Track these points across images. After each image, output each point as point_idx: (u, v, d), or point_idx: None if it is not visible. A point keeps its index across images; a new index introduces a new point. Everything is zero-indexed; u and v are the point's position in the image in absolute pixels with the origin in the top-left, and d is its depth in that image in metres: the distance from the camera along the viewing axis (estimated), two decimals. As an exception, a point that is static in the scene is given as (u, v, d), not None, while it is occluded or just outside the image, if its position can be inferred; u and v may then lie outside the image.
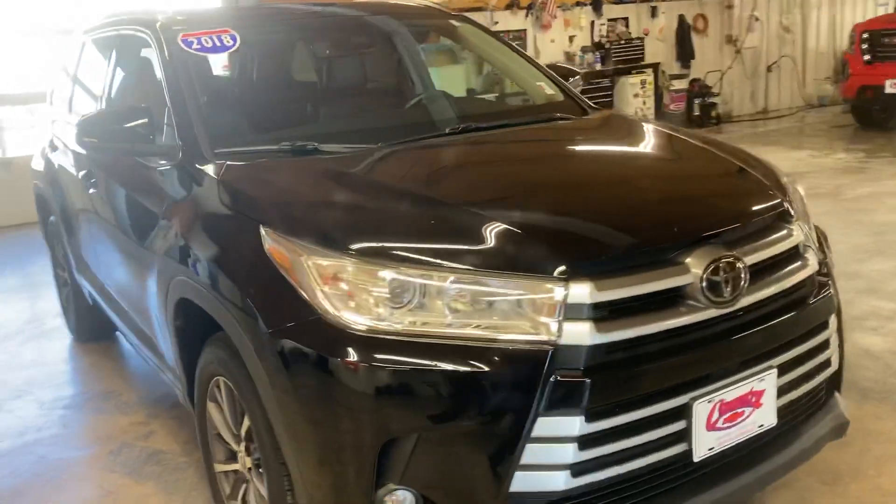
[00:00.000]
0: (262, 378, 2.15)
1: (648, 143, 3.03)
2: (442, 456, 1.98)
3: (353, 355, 1.96)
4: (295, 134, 2.88)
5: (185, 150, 2.74)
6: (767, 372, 2.21)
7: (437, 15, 3.89)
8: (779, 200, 2.43)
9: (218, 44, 3.16)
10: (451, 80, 5.06)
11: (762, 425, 2.23)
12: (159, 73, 3.04)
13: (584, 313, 1.97)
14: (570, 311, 1.96)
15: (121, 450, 3.47)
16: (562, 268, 1.98)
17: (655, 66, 11.97)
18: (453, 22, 3.82)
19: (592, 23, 11.90)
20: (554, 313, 1.96)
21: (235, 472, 2.59)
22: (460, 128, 2.98)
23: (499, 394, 1.94)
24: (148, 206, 2.98)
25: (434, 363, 1.94)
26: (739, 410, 2.18)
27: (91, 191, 3.59)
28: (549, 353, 1.94)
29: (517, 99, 3.81)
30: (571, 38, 11.77)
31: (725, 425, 2.16)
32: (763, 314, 2.23)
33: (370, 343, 1.97)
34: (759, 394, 2.21)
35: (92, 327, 4.61)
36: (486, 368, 1.94)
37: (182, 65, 3.01)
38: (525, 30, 11.42)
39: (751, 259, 2.19)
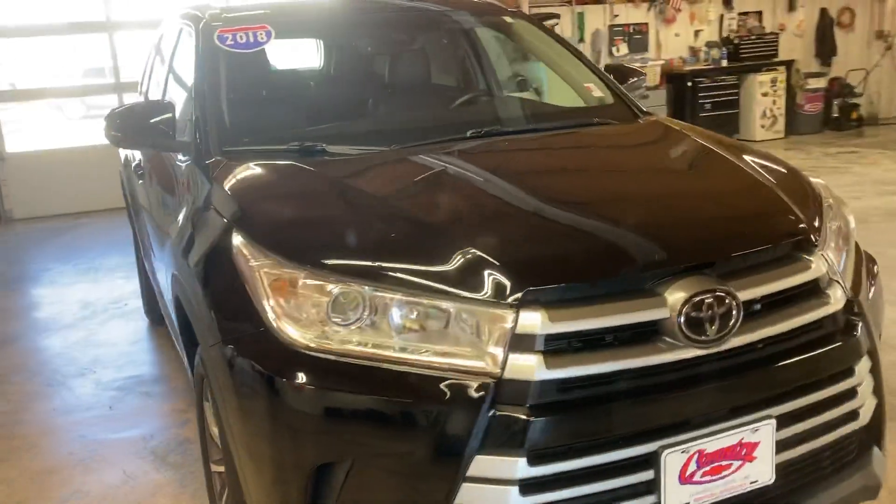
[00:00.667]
0: (216, 386, 2.11)
1: (669, 156, 2.74)
2: (376, 485, 1.86)
3: (290, 373, 1.87)
4: (310, 133, 2.82)
5: (197, 145, 2.74)
6: (763, 422, 1.94)
7: (487, 10, 3.71)
8: (798, 228, 2.14)
9: (251, 40, 3.14)
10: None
11: (755, 482, 1.96)
12: (192, 69, 3.06)
13: (535, 345, 1.79)
14: (519, 342, 1.79)
15: (154, 435, 3.56)
16: (514, 294, 1.80)
17: (789, 64, 11.20)
18: (506, 18, 3.63)
19: (721, 16, 11.27)
20: (500, 343, 1.79)
21: (220, 473, 2.58)
22: (482, 132, 2.82)
23: (435, 426, 1.79)
24: (167, 200, 3.02)
25: (368, 388, 1.82)
26: (725, 463, 1.92)
27: (140, 182, 3.69)
28: (491, 385, 1.78)
29: (562, 101, 3.58)
30: (697, 33, 11.19)
31: (705, 479, 1.91)
32: (760, 357, 1.97)
33: (308, 361, 1.87)
34: (752, 446, 1.94)
35: (158, 310, 4.77)
36: (423, 397, 1.80)
37: (211, 60, 3.01)
38: (646, 23, 10.95)
39: (747, 294, 1.93)
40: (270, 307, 1.94)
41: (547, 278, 1.85)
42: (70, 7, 8.86)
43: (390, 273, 1.89)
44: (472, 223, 2.09)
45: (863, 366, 2.13)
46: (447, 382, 1.79)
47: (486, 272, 1.85)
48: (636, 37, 10.92)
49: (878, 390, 2.21)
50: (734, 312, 1.88)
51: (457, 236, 1.98)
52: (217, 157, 2.64)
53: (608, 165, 2.65)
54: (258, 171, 2.50)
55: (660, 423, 1.86)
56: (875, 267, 2.49)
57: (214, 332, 2.09)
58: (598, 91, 3.33)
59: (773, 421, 1.95)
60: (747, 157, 2.57)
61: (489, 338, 1.80)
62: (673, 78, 10.80)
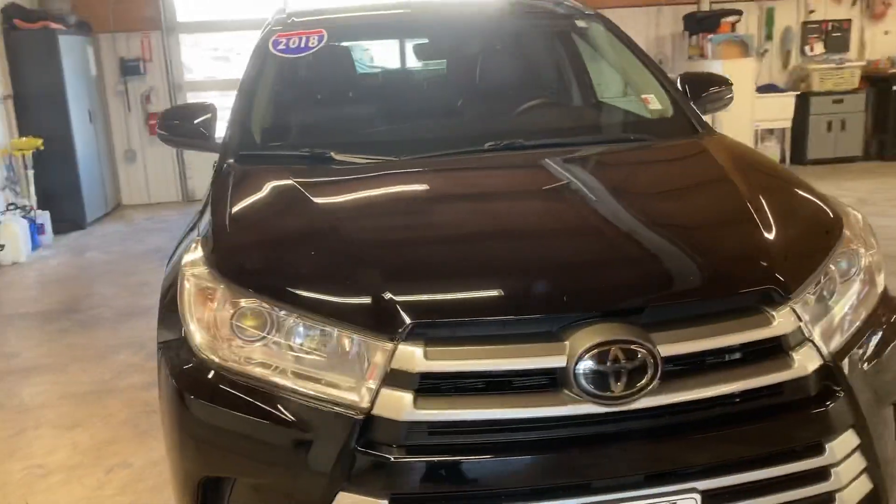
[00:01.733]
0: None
1: (662, 184, 2.41)
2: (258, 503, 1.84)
3: (187, 383, 1.89)
4: (325, 140, 2.82)
5: (223, 147, 2.83)
6: (684, 496, 1.69)
7: (557, 14, 3.48)
8: (757, 278, 1.83)
9: (302, 45, 3.20)
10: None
11: (673, 566, 1.72)
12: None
13: (410, 383, 1.67)
14: (395, 378, 1.68)
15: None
16: (398, 327, 1.69)
17: None
18: (579, 22, 3.40)
19: (943, 12, 9.96)
20: (376, 377, 1.69)
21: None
22: (502, 144, 2.67)
23: (305, 455, 1.73)
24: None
25: (250, 409, 1.79)
26: (627, 537, 1.71)
27: None
28: (358, 421, 1.69)
29: (615, 111, 3.29)
30: (911, 31, 9.98)
31: (605, 554, 1.70)
32: (690, 421, 1.71)
33: (209, 374, 1.87)
34: (666, 523, 1.70)
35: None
36: (297, 425, 1.75)
37: (257, 64, 3.10)
38: (849, 20, 9.90)
39: (671, 349, 1.69)
40: (190, 316, 1.96)
41: (435, 313, 1.73)
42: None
43: (294, 295, 1.84)
44: (387, 250, 1.99)
45: (841, 443, 1.79)
46: (321, 412, 1.72)
47: (379, 302, 1.75)
48: (835, 35, 9.91)
49: (874, 473, 1.86)
50: (650, 368, 1.65)
51: (365, 262, 1.88)
52: (230, 159, 2.71)
53: (577, 191, 2.35)
54: (240, 180, 2.53)
55: (551, 482, 1.68)
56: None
57: (159, 332, 2.16)
58: (656, 103, 3.04)
59: (698, 496, 1.69)
60: (770, 190, 2.25)
61: (367, 371, 1.71)
62: (876, 81, 9.70)
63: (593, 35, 3.41)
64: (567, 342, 1.66)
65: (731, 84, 3.32)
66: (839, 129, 9.57)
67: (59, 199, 7.97)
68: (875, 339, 1.94)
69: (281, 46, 3.16)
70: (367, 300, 1.76)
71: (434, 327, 1.70)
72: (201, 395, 1.85)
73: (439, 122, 3.03)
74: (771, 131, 9.65)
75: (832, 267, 1.96)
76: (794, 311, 1.79)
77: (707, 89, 3.19)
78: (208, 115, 2.96)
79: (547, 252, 1.92)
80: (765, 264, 1.86)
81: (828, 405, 1.77)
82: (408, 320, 1.69)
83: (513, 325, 1.72)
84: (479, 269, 1.88)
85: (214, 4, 9.35)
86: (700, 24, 9.25)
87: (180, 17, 9.32)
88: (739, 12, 9.30)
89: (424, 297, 1.79)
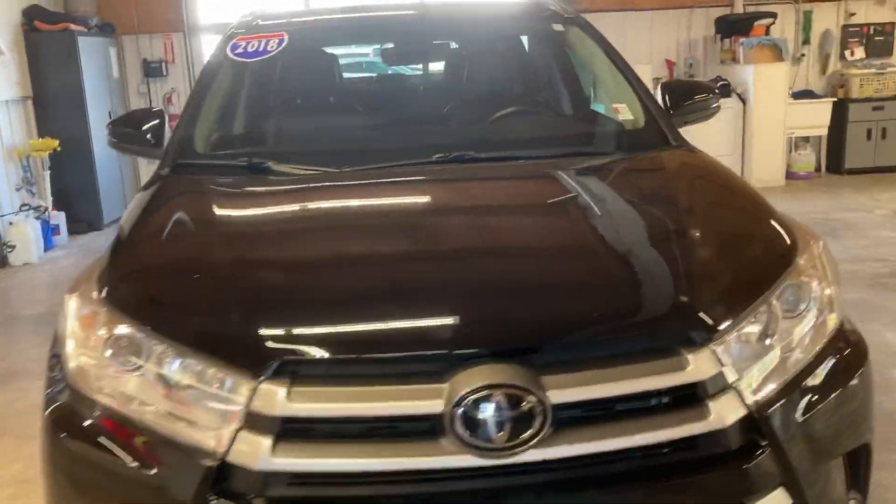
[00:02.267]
0: None
1: (596, 207, 2.19)
2: None
3: (53, 412, 1.77)
4: (268, 148, 2.69)
5: (164, 156, 2.71)
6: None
7: (532, 17, 3.28)
8: (680, 314, 1.63)
9: (260, 48, 3.07)
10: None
11: None
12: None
13: (270, 427, 1.51)
14: (255, 422, 1.52)
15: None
16: (261, 364, 1.54)
17: None
18: (556, 26, 3.21)
19: None
20: (233, 419, 1.54)
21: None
22: (450, 156, 2.50)
23: (161, 499, 1.60)
24: None
25: (109, 445, 1.66)
26: None
27: None
28: (212, 468, 1.54)
29: (580, 122, 3.07)
30: (959, 35, 9.49)
31: None
32: (588, 476, 1.53)
33: (75, 400, 1.74)
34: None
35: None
36: (156, 468, 1.61)
37: (213, 68, 2.99)
38: (892, 23, 9.45)
39: (566, 395, 1.50)
40: (66, 340, 1.84)
41: (302, 350, 1.57)
42: None
43: (168, 324, 1.70)
44: (269, 277, 1.84)
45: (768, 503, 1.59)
46: (178, 455, 1.58)
47: (245, 336, 1.60)
48: (877, 38, 9.48)
49: None
50: (536, 417, 1.47)
51: (243, 290, 1.74)
52: (164, 169, 2.59)
53: (496, 213, 2.17)
54: (157, 194, 2.40)
55: None
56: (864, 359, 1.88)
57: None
58: (627, 113, 2.84)
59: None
60: (719, 213, 2.06)
61: (224, 412, 1.56)
62: (920, 87, 9.24)
63: (571, 40, 3.21)
64: (447, 384, 1.49)
65: (717, 93, 3.10)
66: (879, 137, 9.14)
67: (76, 200, 8.01)
68: (818, 385, 1.73)
69: (239, 50, 3.04)
70: (234, 333, 1.61)
71: (303, 365, 1.54)
72: (66, 425, 1.73)
73: (391, 132, 2.87)
74: (806, 139, 9.26)
75: (774, 302, 1.76)
76: (715, 354, 1.59)
77: (690, 98, 2.97)
78: (156, 122, 2.84)
79: (439, 281, 1.76)
80: (684, 300, 1.67)
81: (750, 461, 1.56)
82: (272, 357, 1.53)
83: (393, 363, 1.55)
84: (360, 299, 1.72)
85: (236, 6, 9.32)
86: (732, 28, 8.92)
87: (202, 19, 9.32)
88: (773, 15, 8.95)
89: (293, 332, 1.64)
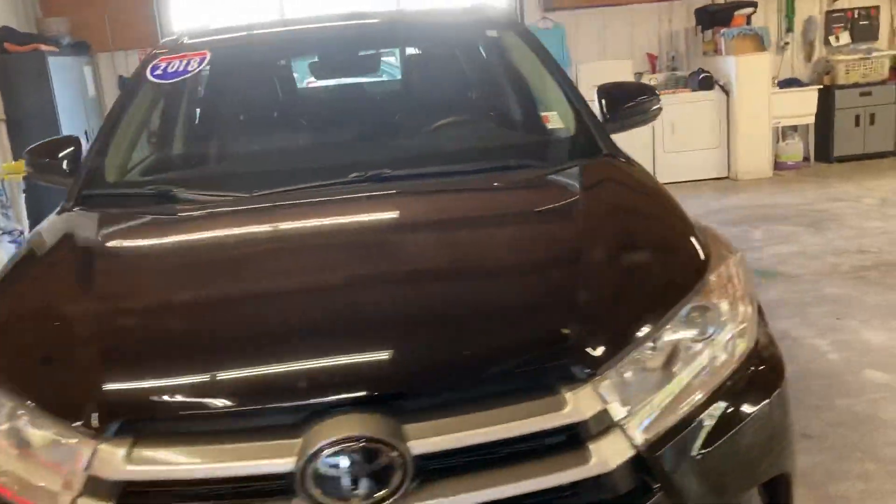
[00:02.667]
0: None
1: (503, 229, 2.08)
2: None
3: None
4: (178, 174, 2.58)
5: (71, 187, 2.61)
6: None
7: (465, 24, 3.15)
8: (557, 349, 1.52)
9: (181, 69, 2.97)
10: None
11: None
12: None
13: (111, 492, 1.40)
14: (94, 487, 1.41)
15: None
16: (101, 422, 1.43)
17: None
18: (490, 32, 3.09)
19: (980, -6, 9.28)
20: (72, 485, 1.43)
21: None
22: (366, 175, 2.39)
23: None
24: None
25: None
26: None
27: None
28: None
29: (508, 133, 2.93)
30: (944, 16, 9.32)
31: None
32: None
33: None
34: None
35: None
36: None
37: (129, 91, 2.89)
38: (877, 6, 9.29)
39: (431, 445, 1.39)
40: None
41: (144, 407, 1.46)
42: None
43: (17, 380, 1.59)
44: (122, 326, 1.72)
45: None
46: None
47: (87, 392, 1.49)
48: (862, 23, 9.31)
49: None
50: (396, 470, 1.36)
51: (93, 342, 1.63)
52: (69, 201, 2.49)
53: (373, 243, 2.03)
54: (47, 229, 2.30)
55: None
56: (781, 380, 1.76)
57: None
58: (556, 122, 2.72)
59: None
60: (623, 229, 1.94)
61: (68, 477, 1.45)
62: (907, 71, 9.08)
63: (506, 46, 3.10)
64: (300, 439, 1.38)
65: (658, 94, 2.97)
66: (867, 123, 8.98)
67: (53, 221, 7.94)
68: (721, 415, 1.61)
69: (158, 72, 2.94)
70: (75, 390, 1.51)
71: (144, 424, 1.44)
72: None
73: (308, 151, 2.76)
74: (794, 128, 9.10)
75: (672, 327, 1.64)
76: (598, 390, 1.47)
77: (629, 101, 2.85)
78: (71, 150, 2.74)
79: (297, 324, 1.64)
80: (565, 332, 1.55)
81: None
82: (112, 416, 1.43)
83: (243, 417, 1.44)
84: (213, 348, 1.61)
85: (209, 20, 9.25)
86: (712, 19, 8.77)
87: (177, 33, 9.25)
88: (754, 4, 8.79)
89: (136, 387, 1.53)
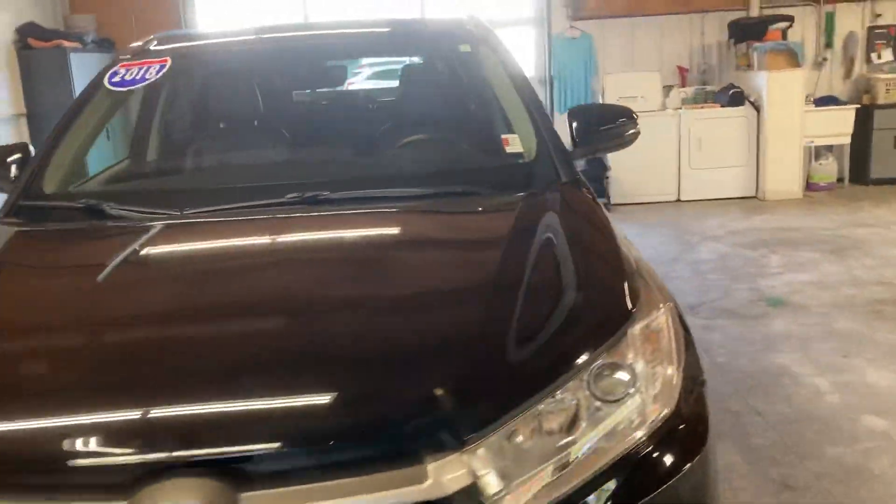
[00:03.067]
0: None
1: (411, 267, 1.90)
2: None
3: None
4: (112, 189, 2.47)
5: (7, 197, 2.52)
6: None
7: (436, 37, 2.99)
8: (421, 413, 1.35)
9: (138, 76, 2.88)
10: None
11: None
12: None
13: None
14: None
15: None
16: None
17: None
18: (462, 47, 2.92)
19: None
20: None
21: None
22: (302, 197, 2.25)
23: None
24: None
25: None
26: None
27: None
28: None
29: (465, 155, 2.75)
30: None
31: None
32: None
33: None
34: None
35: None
36: None
37: (81, 99, 2.80)
38: (921, 24, 8.89)
39: None
40: None
41: None
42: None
43: None
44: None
45: None
46: None
47: None
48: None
49: None
50: None
51: None
52: (3, 212, 2.40)
53: (271, 280, 1.85)
54: None
55: None
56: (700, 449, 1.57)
57: None
58: (516, 146, 2.54)
59: None
60: (547, 271, 1.77)
61: None
62: (952, 91, 8.66)
63: (478, 61, 2.93)
64: (125, 503, 1.25)
65: (636, 117, 2.78)
66: (907, 145, 8.61)
67: (69, 216, 7.98)
68: (622, 489, 1.43)
69: (116, 79, 2.84)
70: None
71: None
72: None
73: (250, 168, 2.63)
74: (829, 148, 8.75)
75: (572, 389, 1.47)
76: (469, 462, 1.31)
77: (602, 125, 2.67)
78: (18, 156, 2.66)
79: (138, 369, 1.49)
80: (439, 391, 1.38)
81: None
82: None
83: (67, 472, 1.31)
84: (43, 391, 1.47)
85: (236, 17, 9.22)
86: (745, 32, 8.48)
87: (202, 30, 9.26)
88: (789, 19, 8.48)
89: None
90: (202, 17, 9.18)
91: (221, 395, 1.40)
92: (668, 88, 8.68)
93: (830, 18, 8.88)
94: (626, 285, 1.72)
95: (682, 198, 8.46)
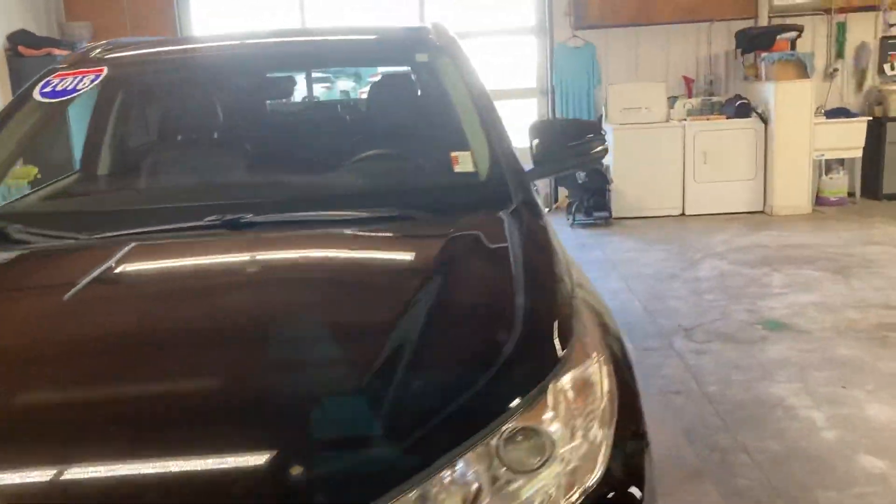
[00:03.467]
0: None
1: (307, 310, 1.68)
2: None
3: None
4: (21, 208, 2.28)
5: None
6: None
7: (394, 45, 2.77)
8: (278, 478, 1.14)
9: (70, 87, 2.69)
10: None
11: None
12: None
13: None
14: None
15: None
16: None
17: None
18: (419, 56, 2.71)
19: None
20: None
21: None
22: (221, 220, 2.05)
23: None
24: None
25: None
26: None
27: None
28: None
29: (410, 174, 2.52)
30: None
31: None
32: None
33: None
34: None
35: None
36: None
37: (7, 110, 2.62)
38: (936, 35, 8.59)
39: None
40: None
41: None
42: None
43: None
44: None
45: None
46: None
47: None
48: (915, 53, 8.64)
49: None
50: None
51: None
52: None
53: (164, 319, 1.65)
54: None
55: None
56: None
57: None
58: (466, 164, 2.32)
59: None
60: (466, 313, 1.55)
61: None
62: (969, 104, 8.35)
63: (436, 73, 2.71)
64: None
65: (603, 133, 2.56)
66: (921, 159, 8.31)
67: (57, 227, 7.85)
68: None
69: (48, 89, 2.66)
70: None
71: None
72: None
73: (180, 188, 2.43)
74: (841, 162, 8.47)
75: (476, 457, 1.25)
76: None
77: (569, 141, 2.45)
78: None
79: None
80: (295, 469, 1.16)
81: None
82: None
83: None
84: None
85: (231, 24, 9.09)
86: (753, 42, 8.22)
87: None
88: (798, 28, 8.21)
89: None
90: (198, 24, 9.05)
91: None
92: (673, 99, 8.43)
93: (842, 28, 8.61)
94: (554, 329, 1.49)
95: (687, 212, 8.21)
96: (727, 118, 8.11)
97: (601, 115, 8.63)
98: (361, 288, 1.74)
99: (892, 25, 8.59)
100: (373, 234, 2.02)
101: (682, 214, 8.22)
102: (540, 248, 1.90)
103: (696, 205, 8.18)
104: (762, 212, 8.15)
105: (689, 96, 8.65)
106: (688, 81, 8.77)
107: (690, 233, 7.49)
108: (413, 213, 2.09)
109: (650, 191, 8.14)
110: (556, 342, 1.46)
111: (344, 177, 2.38)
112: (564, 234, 7.74)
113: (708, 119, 8.17)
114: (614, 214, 8.13)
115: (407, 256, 1.92)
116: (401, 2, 8.84)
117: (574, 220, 8.02)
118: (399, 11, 8.76)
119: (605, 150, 2.52)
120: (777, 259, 6.30)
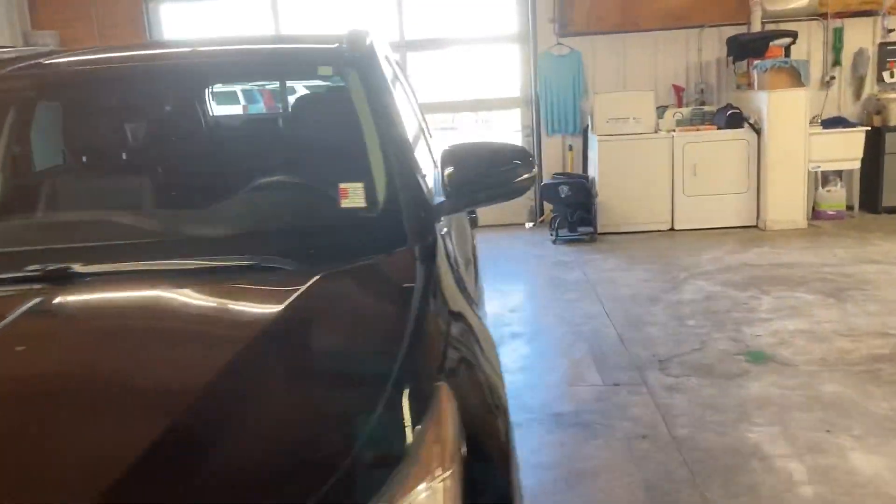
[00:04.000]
0: None
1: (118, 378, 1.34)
2: None
3: None
4: None
5: None
6: None
7: (296, 59, 2.41)
8: None
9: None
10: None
11: None
12: None
13: None
14: None
15: None
16: None
17: None
18: (322, 70, 2.35)
19: None
20: None
21: None
22: (43, 270, 1.71)
23: None
24: None
25: None
26: None
27: None
28: None
29: (287, 210, 2.14)
30: None
31: None
32: None
33: None
34: None
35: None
36: None
37: None
38: (938, 40, 8.21)
39: None
40: None
41: None
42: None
43: None
44: None
45: None
46: None
47: None
48: (920, 59, 8.26)
49: None
50: None
51: None
52: None
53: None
54: None
55: None
56: None
57: None
58: (356, 199, 1.96)
59: None
60: (289, 402, 1.19)
61: None
62: (973, 113, 7.97)
63: (343, 88, 2.35)
64: None
65: (532, 159, 2.20)
66: (922, 171, 7.92)
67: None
68: None
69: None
70: None
71: None
72: None
73: (8, 227, 2.10)
74: (838, 173, 8.08)
75: None
76: None
77: (482, 171, 2.09)
78: None
79: None
80: None
81: None
82: None
83: None
84: None
85: (200, 35, 8.77)
86: (745, 49, 7.85)
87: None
88: (792, 34, 7.84)
89: None
90: (169, 33, 8.74)
91: None
92: (662, 109, 8.07)
93: (838, 34, 8.24)
94: (389, 432, 1.13)
95: (676, 227, 7.84)
96: (718, 128, 7.74)
97: (587, 126, 8.28)
98: (173, 369, 1.37)
99: (891, 31, 8.21)
100: (213, 292, 1.66)
101: (671, 229, 7.85)
102: (408, 314, 1.52)
103: (686, 219, 7.81)
104: (755, 226, 7.77)
105: (679, 105, 8.29)
106: (677, 90, 8.40)
107: (678, 250, 7.12)
108: (275, 262, 1.73)
109: (638, 205, 7.78)
110: (393, 447, 1.09)
111: (214, 213, 2.02)
112: (545, 252, 7.37)
113: (698, 130, 7.81)
114: (600, 229, 7.77)
115: (230, 327, 1.55)
116: (379, 9, 8.51)
117: (556, 236, 7.65)
118: (377, 19, 8.43)
119: (532, 180, 2.17)
120: (767, 280, 5.92)
